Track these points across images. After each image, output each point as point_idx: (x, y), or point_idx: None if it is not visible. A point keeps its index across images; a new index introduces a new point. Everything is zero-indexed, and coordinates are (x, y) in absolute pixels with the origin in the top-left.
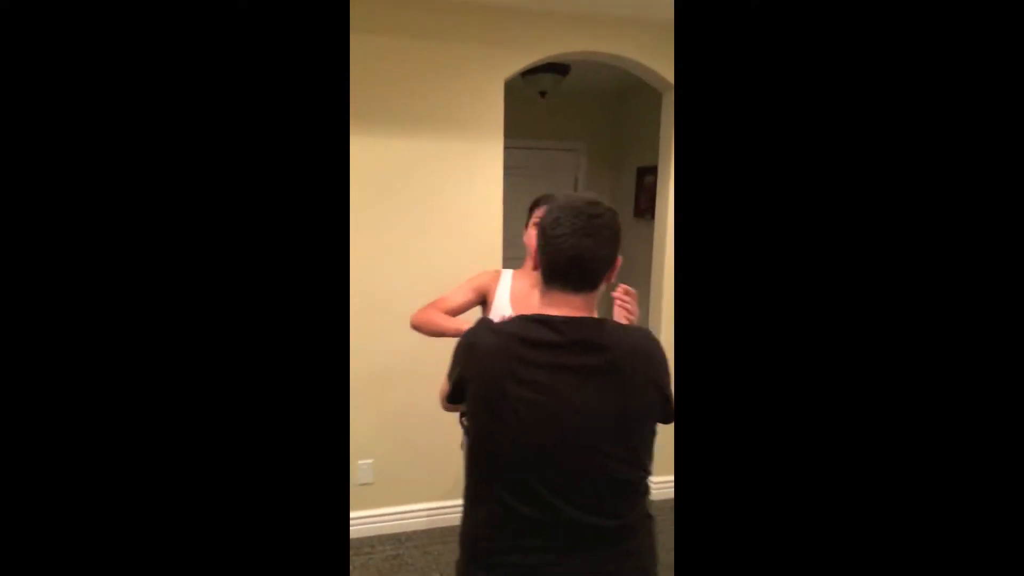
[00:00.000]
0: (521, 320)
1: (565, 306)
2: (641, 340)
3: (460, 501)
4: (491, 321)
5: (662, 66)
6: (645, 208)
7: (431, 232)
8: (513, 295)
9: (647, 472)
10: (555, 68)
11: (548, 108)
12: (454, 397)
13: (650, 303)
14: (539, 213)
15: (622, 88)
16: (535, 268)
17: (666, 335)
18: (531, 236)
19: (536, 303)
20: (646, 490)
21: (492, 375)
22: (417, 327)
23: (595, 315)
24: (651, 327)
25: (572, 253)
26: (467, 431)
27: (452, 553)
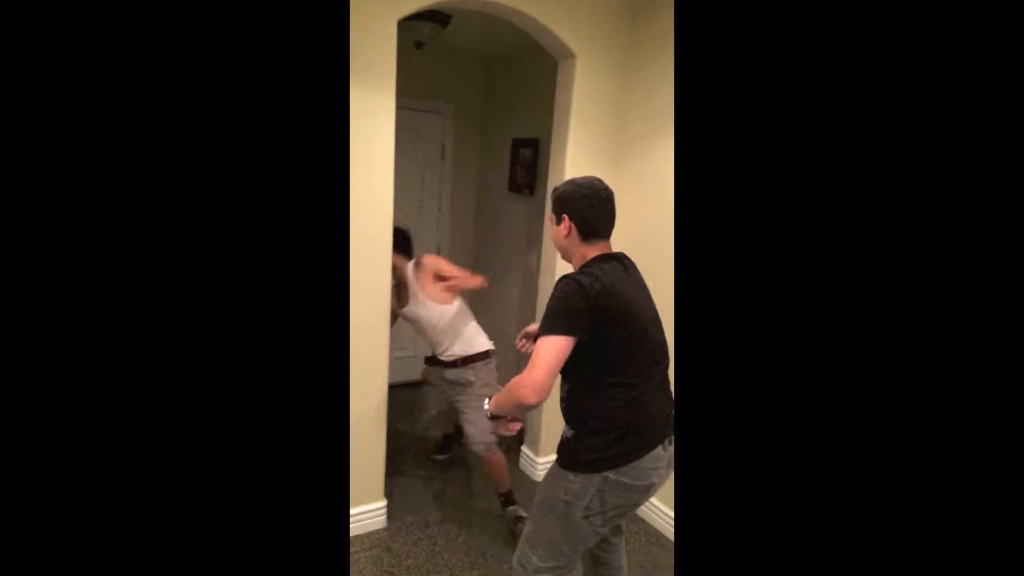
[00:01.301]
0: (602, 259)
1: (604, 247)
2: None
3: None
4: (577, 273)
5: (567, 33)
6: (523, 183)
7: None
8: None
9: None
10: (435, 17)
11: (416, 62)
12: (585, 334)
13: (540, 280)
14: None
15: (498, 51)
16: None
17: None
18: None
19: (579, 252)
20: None
21: (619, 301)
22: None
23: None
24: (542, 301)
25: (605, 216)
26: (591, 347)
27: None
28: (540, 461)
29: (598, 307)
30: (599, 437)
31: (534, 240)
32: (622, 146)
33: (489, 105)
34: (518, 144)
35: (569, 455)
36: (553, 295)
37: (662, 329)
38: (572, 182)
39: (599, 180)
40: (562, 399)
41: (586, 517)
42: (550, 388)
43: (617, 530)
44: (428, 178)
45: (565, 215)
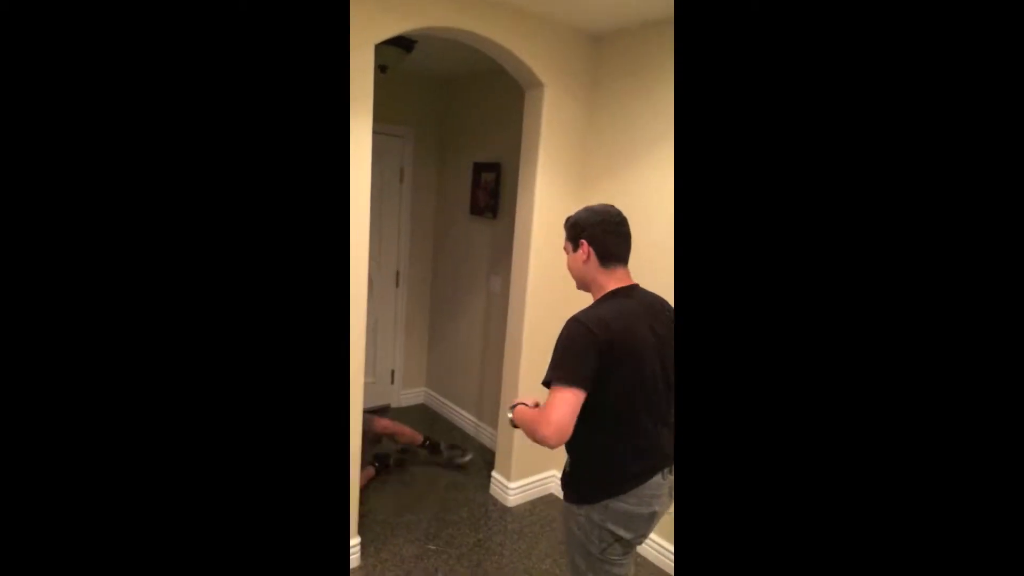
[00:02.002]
0: (621, 295)
1: (623, 275)
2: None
3: None
4: (587, 313)
5: (536, 62)
6: (484, 206)
7: None
8: None
9: None
10: (401, 42)
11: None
12: (592, 385)
13: (510, 301)
14: None
15: (457, 75)
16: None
17: (528, 332)
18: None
19: (599, 280)
20: None
21: (628, 346)
22: None
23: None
24: (511, 324)
25: (624, 240)
26: (594, 387)
27: None
28: (512, 486)
29: (606, 354)
30: (597, 469)
31: (498, 263)
32: (589, 171)
33: (448, 128)
34: (479, 168)
35: (571, 488)
36: (564, 337)
37: (671, 363)
38: (586, 209)
39: (612, 206)
40: None
41: (603, 551)
42: (570, 432)
43: None
44: (387, 201)
45: (583, 240)
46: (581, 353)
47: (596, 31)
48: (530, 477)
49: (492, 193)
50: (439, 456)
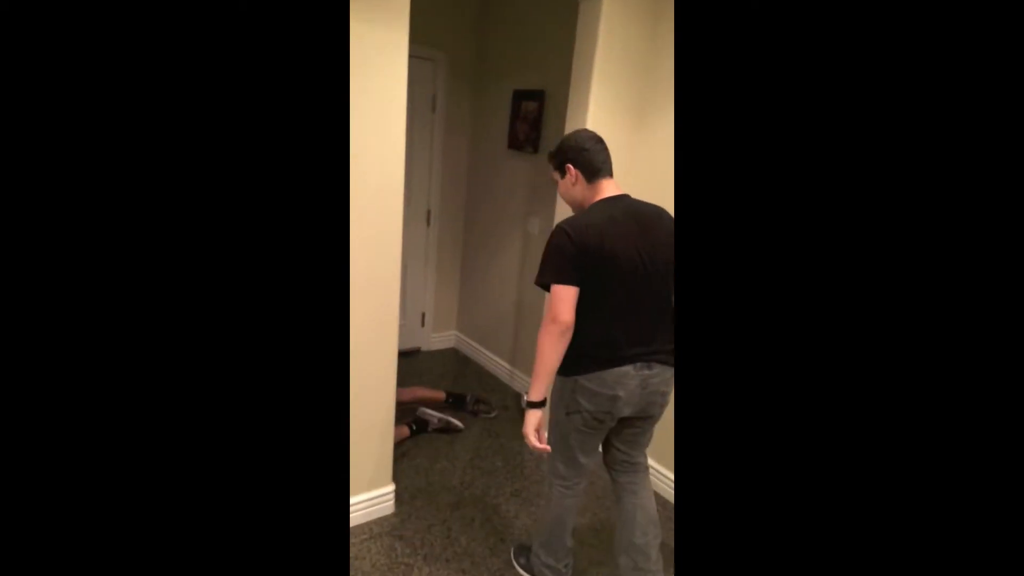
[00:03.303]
0: (602, 204)
1: (609, 186)
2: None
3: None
4: (574, 219)
5: None
6: (524, 139)
7: None
8: None
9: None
10: None
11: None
12: (576, 280)
13: None
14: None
15: None
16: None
17: None
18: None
19: (588, 196)
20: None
21: (599, 249)
22: None
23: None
24: None
25: (605, 156)
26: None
27: None
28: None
29: (585, 253)
30: (578, 354)
31: (537, 203)
32: (649, 99)
33: (486, 52)
34: (520, 96)
35: (561, 364)
36: (549, 242)
37: (658, 270)
38: (564, 137)
39: (586, 129)
40: None
41: (567, 414)
42: (571, 319)
43: (634, 468)
44: (417, 133)
45: (569, 164)
46: (566, 254)
47: None
48: None
49: (533, 125)
50: (463, 409)
